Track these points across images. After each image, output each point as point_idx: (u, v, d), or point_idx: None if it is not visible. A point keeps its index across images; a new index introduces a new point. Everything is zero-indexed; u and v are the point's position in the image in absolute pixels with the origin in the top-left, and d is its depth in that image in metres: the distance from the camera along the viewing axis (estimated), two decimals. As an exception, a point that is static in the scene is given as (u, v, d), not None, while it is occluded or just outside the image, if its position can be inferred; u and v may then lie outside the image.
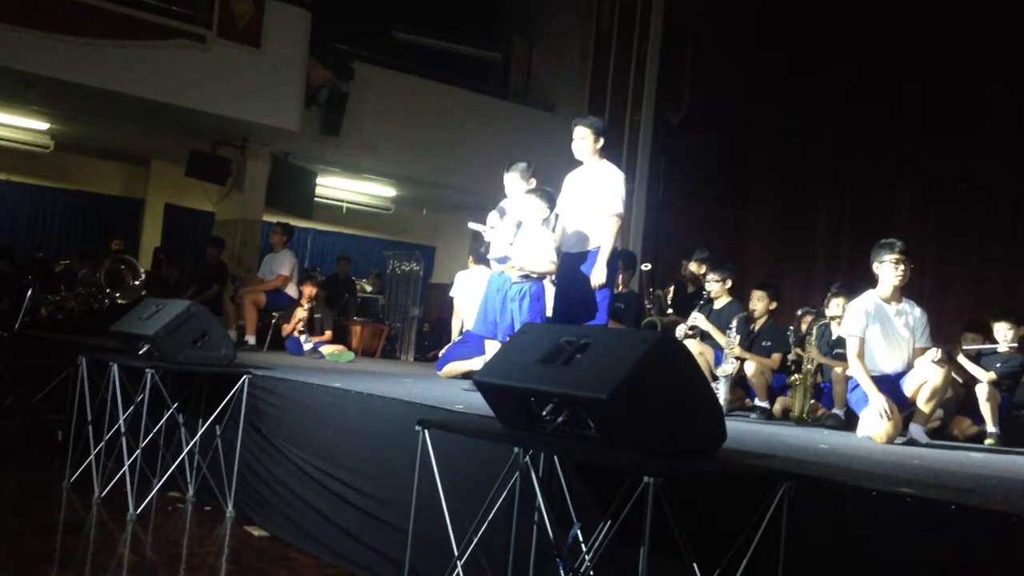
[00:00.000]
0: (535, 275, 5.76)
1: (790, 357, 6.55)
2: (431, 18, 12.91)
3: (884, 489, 2.68)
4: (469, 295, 7.15)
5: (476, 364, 6.22)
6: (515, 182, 6.25)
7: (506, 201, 6.31)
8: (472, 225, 6.45)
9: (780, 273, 9.88)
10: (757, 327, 6.76)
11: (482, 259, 6.87)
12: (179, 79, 9.61)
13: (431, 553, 3.68)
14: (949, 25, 8.89)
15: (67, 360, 6.44)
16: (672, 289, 8.43)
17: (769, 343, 6.66)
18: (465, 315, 7.26)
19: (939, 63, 8.94)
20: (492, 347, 5.95)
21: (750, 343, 6.63)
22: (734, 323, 6.48)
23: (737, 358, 6.39)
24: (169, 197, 13.72)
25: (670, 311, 8.02)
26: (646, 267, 9.21)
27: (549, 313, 6.04)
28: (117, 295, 9.35)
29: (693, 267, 8.06)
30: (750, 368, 6.40)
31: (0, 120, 11.33)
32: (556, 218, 5.99)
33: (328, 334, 9.35)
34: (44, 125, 11.65)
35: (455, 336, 7.49)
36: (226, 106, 9.99)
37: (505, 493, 3.49)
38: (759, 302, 6.78)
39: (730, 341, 6.42)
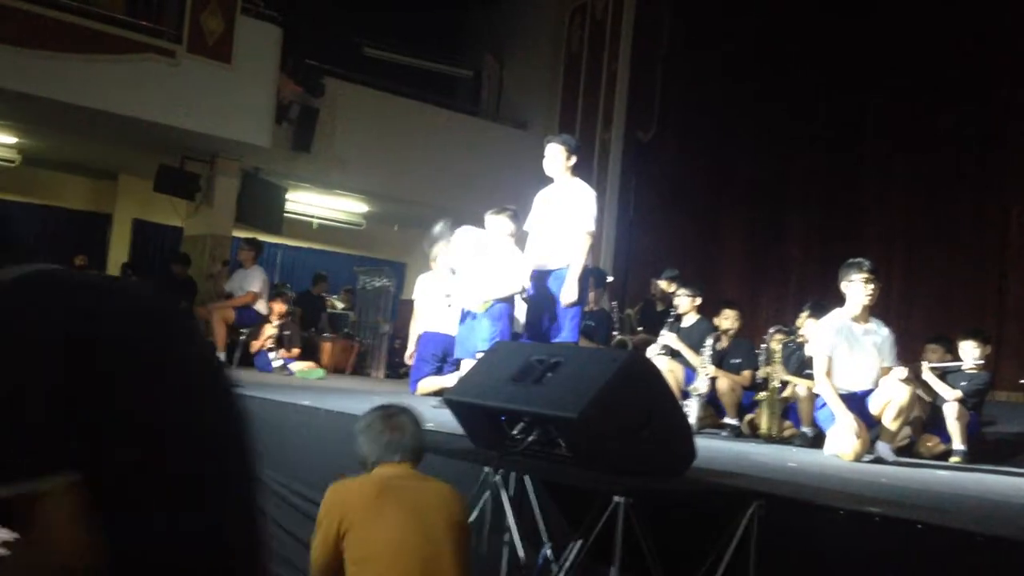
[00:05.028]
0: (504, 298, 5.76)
1: (759, 375, 6.59)
2: (402, 35, 12.93)
3: (852, 508, 2.71)
4: (428, 297, 7.15)
5: (450, 381, 6.20)
6: (499, 225, 6.15)
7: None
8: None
9: (752, 291, 9.94)
10: (726, 345, 6.80)
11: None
12: (148, 94, 9.52)
13: (401, 573, 3.65)
14: (917, 46, 9.03)
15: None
16: (640, 307, 8.45)
17: (739, 360, 6.71)
18: (423, 318, 7.23)
19: (909, 83, 9.07)
20: (468, 366, 5.94)
21: (719, 361, 6.66)
22: (708, 341, 6.51)
23: (710, 377, 6.42)
24: (137, 212, 13.57)
25: (639, 329, 8.05)
26: (608, 279, 9.25)
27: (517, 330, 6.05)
28: (83, 311, 9.22)
29: (663, 285, 8.09)
30: (721, 386, 6.44)
31: (-35, 134, 11.20)
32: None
33: (296, 351, 9.28)
34: (11, 139, 11.51)
35: (412, 340, 7.44)
36: (196, 121, 9.91)
37: (476, 512, 3.47)
38: (735, 321, 6.83)
39: (703, 359, 6.45)
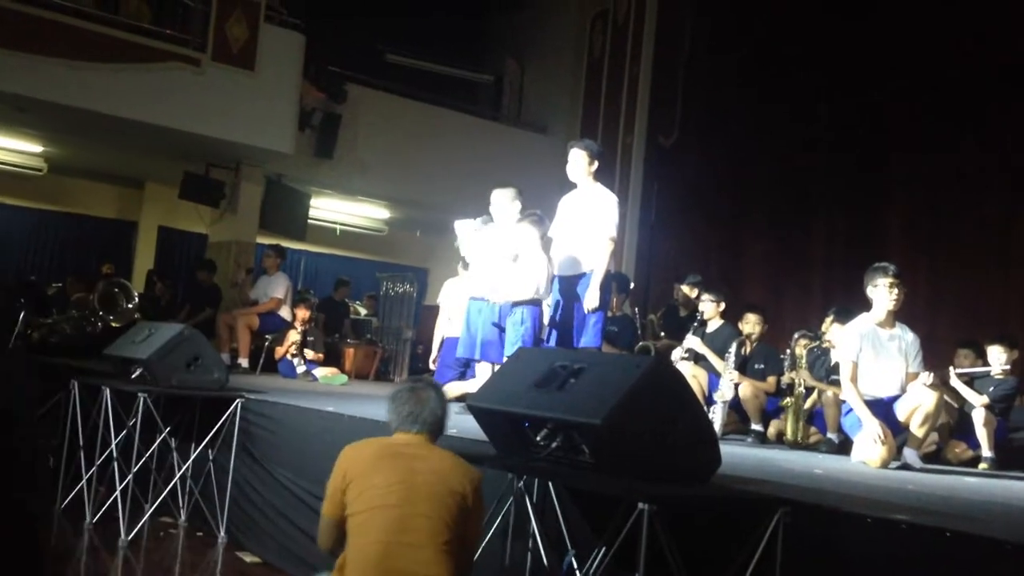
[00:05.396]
0: (523, 301, 5.76)
1: (784, 380, 6.54)
2: (424, 41, 12.97)
3: (879, 516, 2.68)
4: (455, 301, 7.17)
5: (473, 387, 6.20)
6: (503, 200, 6.23)
7: (492, 214, 6.32)
8: (458, 225, 6.45)
9: (776, 296, 9.88)
10: (749, 350, 6.76)
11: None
12: (173, 102, 9.61)
13: (425, 580, 3.65)
14: (938, 50, 8.96)
15: (59, 384, 6.41)
16: (663, 313, 8.41)
17: (763, 366, 6.66)
18: (448, 322, 7.24)
19: (933, 86, 9.00)
20: (484, 370, 5.94)
21: (743, 366, 6.62)
22: (732, 347, 6.47)
23: (735, 382, 6.38)
24: (163, 219, 13.69)
25: (662, 335, 8.02)
26: (631, 286, 9.23)
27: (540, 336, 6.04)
28: (110, 318, 9.31)
29: (685, 290, 8.06)
30: (745, 390, 6.40)
31: (-6, 143, 11.34)
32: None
33: (320, 356, 9.32)
34: (38, 148, 11.63)
35: (435, 343, 7.45)
36: (220, 128, 9.99)
37: (499, 519, 3.47)
38: (756, 326, 6.79)
39: (728, 365, 6.42)
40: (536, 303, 5.80)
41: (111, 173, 13.24)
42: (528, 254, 5.81)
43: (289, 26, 10.63)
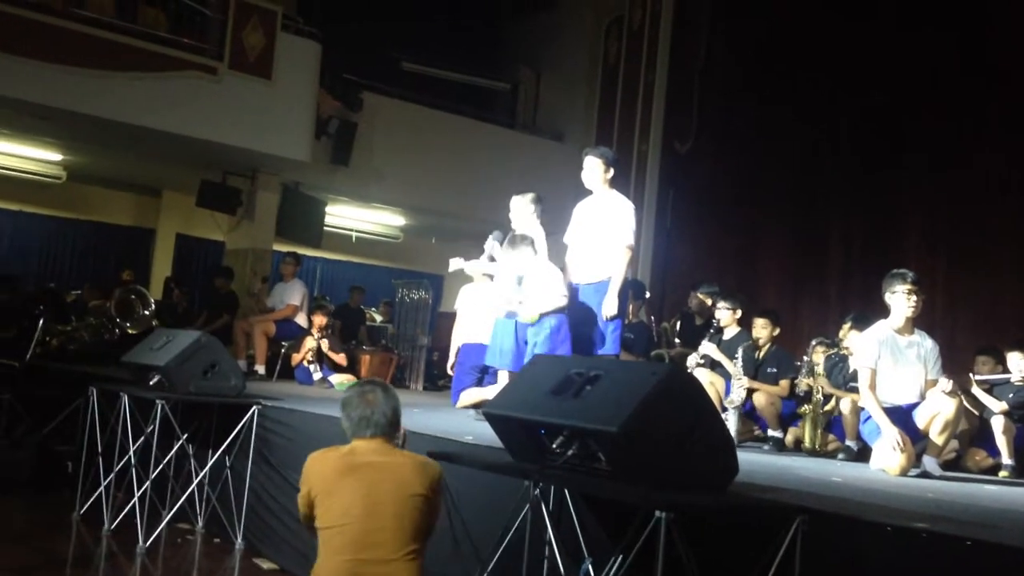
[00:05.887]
0: (553, 310, 5.74)
1: (802, 387, 6.50)
2: (439, 49, 13.01)
3: (898, 524, 2.66)
4: (472, 308, 7.17)
5: (490, 393, 6.19)
6: (521, 205, 6.23)
7: (508, 229, 6.32)
8: (453, 265, 6.52)
9: (793, 303, 9.84)
10: (761, 354, 6.71)
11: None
12: (191, 110, 9.67)
13: (441, 587, 3.65)
14: (950, 54, 8.92)
15: (78, 391, 6.45)
16: (678, 320, 8.38)
17: (775, 370, 6.61)
18: (465, 329, 7.23)
19: (944, 88, 8.96)
20: (506, 380, 5.93)
21: (755, 371, 6.58)
22: (740, 352, 6.44)
23: (748, 389, 6.34)
24: (180, 227, 13.78)
25: (677, 341, 7.99)
26: (647, 295, 9.21)
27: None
28: (128, 325, 9.36)
29: (701, 298, 8.03)
30: (760, 399, 6.36)
31: (14, 151, 11.40)
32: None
33: (342, 358, 9.32)
34: (57, 156, 11.73)
35: (453, 349, 7.45)
36: (237, 137, 10.05)
37: (516, 526, 3.46)
38: (762, 329, 6.75)
39: (736, 370, 6.39)
40: (563, 311, 5.77)
41: (129, 181, 13.34)
42: (537, 269, 5.78)
43: (305, 34, 10.69)
